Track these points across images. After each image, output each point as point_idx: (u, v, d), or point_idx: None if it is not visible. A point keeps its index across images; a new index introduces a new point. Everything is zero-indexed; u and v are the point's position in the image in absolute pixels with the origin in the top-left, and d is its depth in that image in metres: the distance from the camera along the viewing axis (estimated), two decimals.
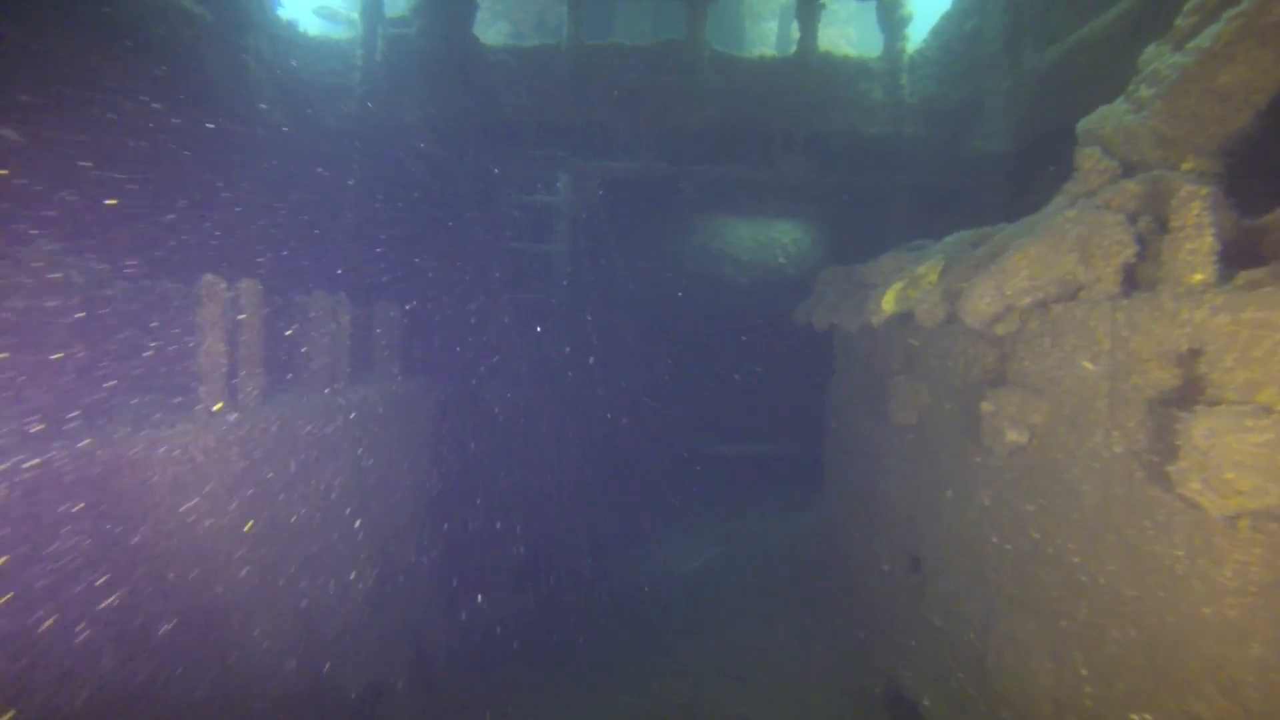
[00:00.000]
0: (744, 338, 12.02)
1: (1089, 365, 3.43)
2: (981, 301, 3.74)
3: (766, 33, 14.54)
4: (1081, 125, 4.57)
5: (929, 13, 10.12)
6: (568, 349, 11.01)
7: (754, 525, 11.54)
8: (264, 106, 7.67)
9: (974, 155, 9.28)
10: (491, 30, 13.39)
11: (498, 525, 9.83)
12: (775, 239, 11.46)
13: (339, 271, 7.85)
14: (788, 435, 12.19)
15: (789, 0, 14.97)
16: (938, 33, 9.50)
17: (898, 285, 5.53)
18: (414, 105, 8.62)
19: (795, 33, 15.51)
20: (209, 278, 3.76)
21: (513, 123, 9.05)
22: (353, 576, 5.43)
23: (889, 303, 5.51)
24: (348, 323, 5.76)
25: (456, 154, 9.23)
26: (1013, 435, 3.91)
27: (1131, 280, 3.43)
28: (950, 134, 9.47)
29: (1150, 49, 4.31)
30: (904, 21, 9.33)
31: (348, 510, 5.15)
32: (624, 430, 11.39)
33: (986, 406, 4.08)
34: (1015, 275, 3.69)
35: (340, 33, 8.88)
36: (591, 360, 11.36)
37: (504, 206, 10.17)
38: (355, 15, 13.58)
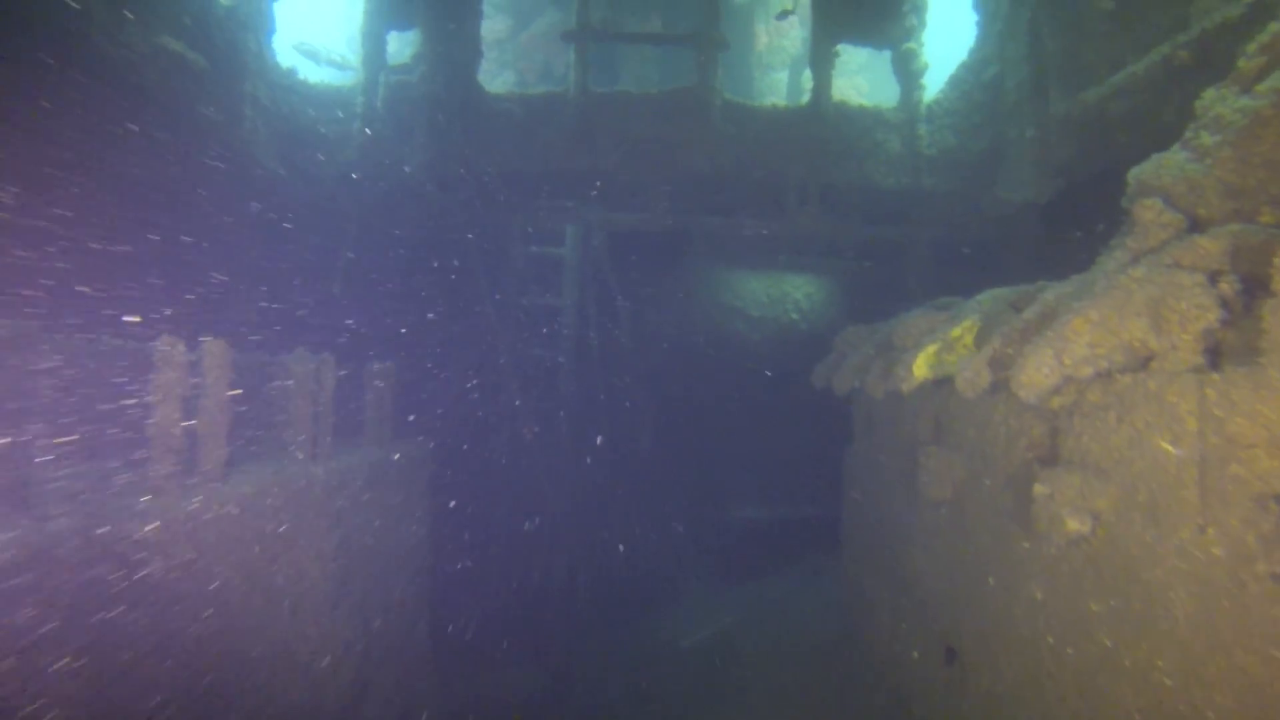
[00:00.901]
0: (756, 397, 11.58)
1: (1169, 448, 2.96)
2: (1039, 373, 3.29)
3: (776, 83, 14.40)
4: (1135, 174, 4.17)
5: (943, 60, 9.88)
6: (575, 408, 10.58)
7: (771, 592, 10.96)
8: (260, 153, 7.37)
9: (997, 206, 8.94)
10: (497, 80, 13.26)
11: (502, 603, 9.30)
12: (788, 293, 11.08)
13: (333, 327, 7.48)
14: (804, 498, 11.69)
15: (798, 51, 14.90)
16: (955, 82, 9.24)
17: (930, 349, 5.09)
18: (416, 153, 8.33)
19: (806, 83, 15.38)
20: (166, 338, 3.35)
21: (518, 172, 8.76)
22: (327, 664, 4.91)
23: (921, 368, 5.06)
24: (332, 385, 5.33)
25: (459, 204, 8.92)
26: (1073, 524, 3.43)
27: (1214, 350, 2.98)
28: (971, 185, 9.15)
29: (1210, 92, 3.93)
30: (920, 71, 9.08)
31: (325, 595, 4.66)
32: (634, 494, 10.88)
33: (1040, 489, 3.61)
34: (1075, 342, 3.25)
35: (332, 74, 8.64)
36: (600, 419, 10.92)
37: (509, 259, 9.85)
38: (338, 56, 13.46)
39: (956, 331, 5.06)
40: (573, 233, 9.77)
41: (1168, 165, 3.97)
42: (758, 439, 12.02)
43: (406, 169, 8.35)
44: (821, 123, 8.80)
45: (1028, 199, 8.19)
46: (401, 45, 9.52)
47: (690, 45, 8.78)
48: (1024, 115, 8.25)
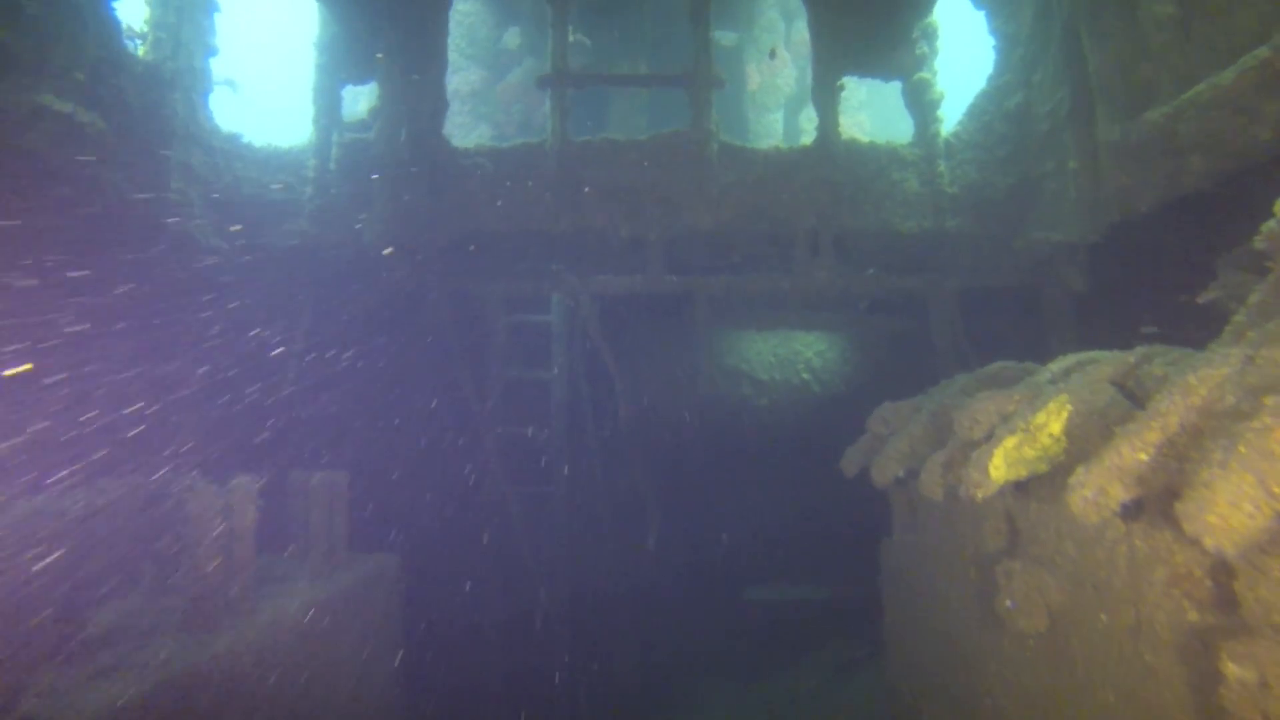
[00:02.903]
0: (767, 466, 10.51)
1: None
2: (1237, 511, 2.20)
3: (771, 124, 13.58)
4: None
5: (956, 89, 8.98)
6: (570, 491, 9.47)
7: (795, 691, 9.73)
8: (192, 227, 6.38)
9: (1031, 248, 7.96)
10: (473, 134, 12.43)
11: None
12: (798, 352, 10.08)
13: (270, 430, 6.43)
14: (825, 578, 10.56)
15: (793, 90, 14.10)
16: (975, 113, 8.34)
17: (1009, 442, 4.00)
18: (375, 219, 7.34)
19: (804, 122, 14.61)
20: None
21: (493, 234, 7.79)
22: None
23: (999, 468, 3.96)
24: (253, 515, 4.22)
25: (426, 273, 7.91)
26: None
27: None
28: (999, 225, 8.17)
29: None
30: (936, 102, 8.19)
31: None
32: (637, 581, 9.70)
33: (1233, 671, 2.50)
34: None
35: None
36: (598, 502, 9.81)
37: (488, 330, 8.82)
38: None
39: (1040, 418, 3.98)
40: (559, 300, 8.77)
41: None
42: (770, 512, 10.95)
43: (365, 237, 7.35)
44: (831, 163, 7.86)
45: (1071, 239, 7.20)
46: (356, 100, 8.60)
47: (682, 86, 7.86)
48: (1060, 145, 7.33)
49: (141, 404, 5.80)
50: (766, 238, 8.10)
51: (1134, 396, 3.65)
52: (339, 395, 7.39)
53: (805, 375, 10.23)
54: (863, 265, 8.92)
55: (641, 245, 7.87)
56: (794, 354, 10.24)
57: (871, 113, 15.41)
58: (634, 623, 10.06)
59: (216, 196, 6.95)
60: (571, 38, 13.68)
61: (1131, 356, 3.98)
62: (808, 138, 12.82)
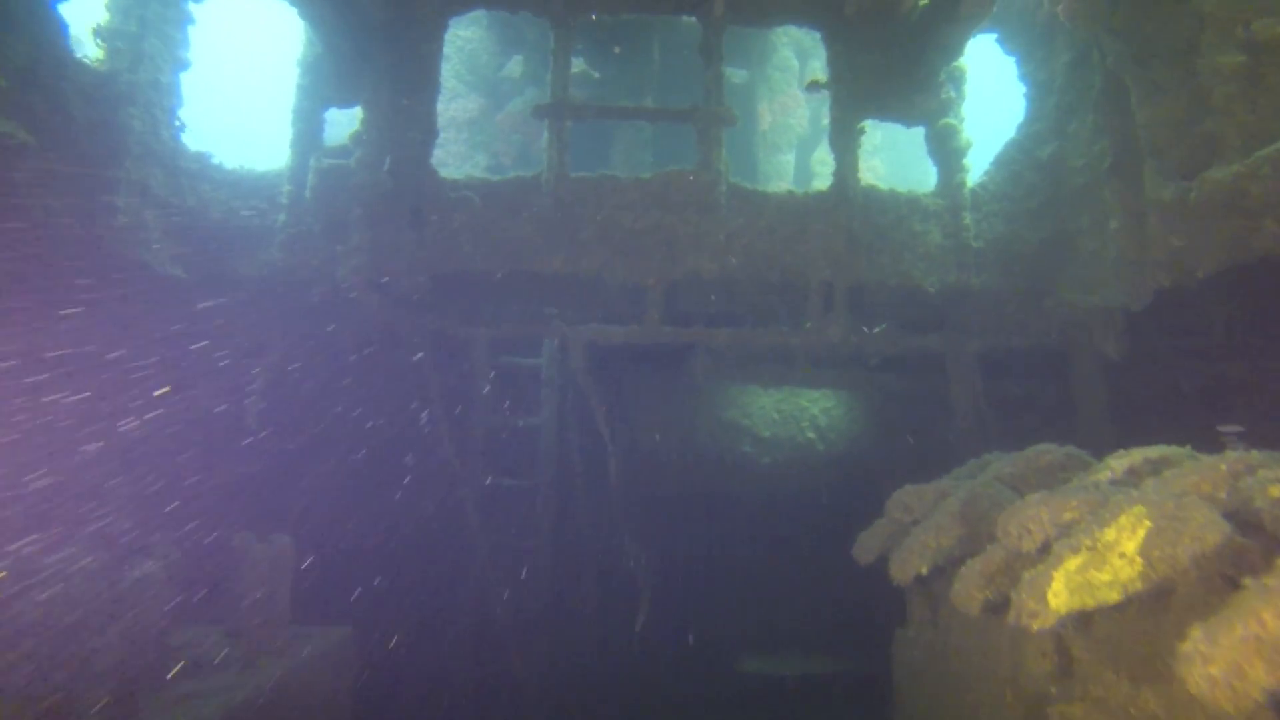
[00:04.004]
0: (767, 529, 9.83)
1: None
2: None
3: (783, 165, 13.06)
4: None
5: (983, 136, 8.42)
6: (553, 557, 8.76)
7: None
8: (147, 253, 5.75)
9: (1063, 311, 7.33)
10: (468, 163, 11.89)
11: None
12: (804, 408, 9.43)
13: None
14: (828, 649, 9.82)
15: (805, 131, 13.60)
16: (1003, 162, 7.78)
17: (1071, 563, 3.33)
18: (352, 253, 6.72)
19: (816, 165, 14.09)
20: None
21: (480, 275, 7.16)
22: None
23: (1060, 594, 3.31)
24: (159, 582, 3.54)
25: (406, 312, 7.29)
26: None
27: None
28: (1028, 283, 7.57)
29: None
30: (962, 150, 7.63)
31: None
32: (625, 657, 8.96)
33: None
34: None
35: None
36: (586, 563, 9.11)
37: (472, 374, 8.18)
38: None
39: (1110, 534, 3.33)
40: (550, 342, 8.14)
41: None
42: (770, 576, 10.26)
43: (340, 271, 6.73)
44: (848, 211, 7.28)
45: (1110, 303, 6.59)
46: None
47: (690, 122, 7.29)
48: (1098, 200, 6.75)
49: (74, 456, 5.15)
50: (776, 288, 7.49)
51: (1238, 519, 2.98)
52: (303, 445, 6.73)
53: (810, 434, 9.57)
54: (878, 321, 8.31)
55: (640, 292, 7.25)
56: (799, 410, 9.59)
57: (886, 157, 14.92)
58: (618, 695, 9.28)
59: (179, 220, 6.33)
60: (577, 68, 13.31)
61: (1223, 463, 3.32)
62: (820, 181, 12.32)
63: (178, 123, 6.55)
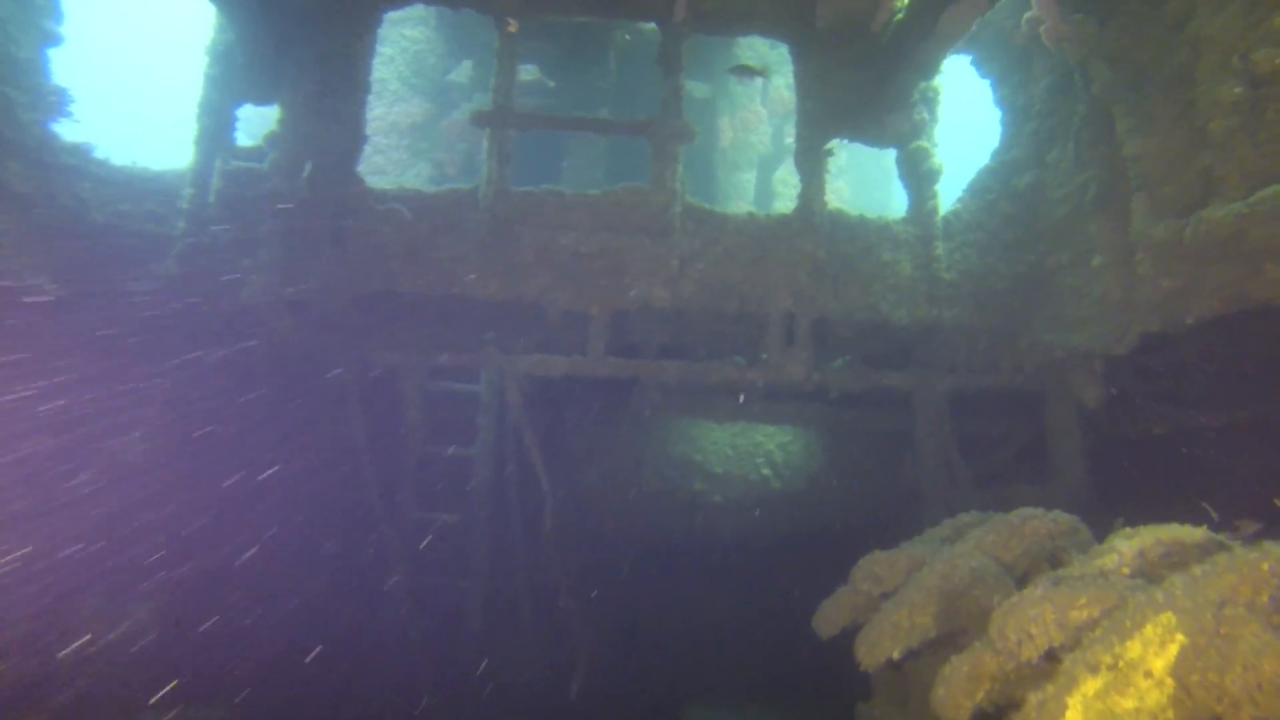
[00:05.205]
0: (719, 570, 9.24)
1: None
2: None
3: (743, 184, 12.54)
4: None
5: (955, 161, 7.99)
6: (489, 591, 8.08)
7: None
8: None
9: (1039, 352, 6.88)
10: (410, 172, 11.16)
11: None
12: (759, 444, 8.90)
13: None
14: (783, 696, 9.27)
15: (768, 149, 13.11)
16: (977, 190, 7.34)
17: (1088, 685, 2.76)
18: (261, 268, 5.96)
19: (779, 185, 13.60)
20: None
21: (409, 296, 6.45)
22: None
23: None
24: None
25: (323, 335, 6.53)
26: None
27: None
28: (1002, 320, 7.10)
29: None
30: (934, 174, 7.15)
31: None
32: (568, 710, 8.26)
33: None
34: None
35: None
36: (522, 607, 8.40)
37: (398, 401, 7.46)
38: None
39: (1134, 648, 2.79)
40: (487, 375, 7.48)
41: None
42: (720, 620, 9.68)
43: (246, 288, 5.95)
44: (813, 236, 6.75)
45: (1093, 346, 6.12)
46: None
47: (645, 135, 6.69)
48: (1081, 235, 6.31)
49: None
50: (733, 319, 6.90)
51: None
52: (196, 489, 5.92)
53: (766, 470, 9.02)
54: (842, 354, 7.78)
55: (584, 319, 6.59)
56: (754, 445, 9.03)
57: (852, 179, 14.50)
58: None
59: (46, 223, 5.46)
60: (531, 76, 12.68)
61: (1266, 562, 2.77)
62: (783, 201, 11.80)
63: (48, 107, 5.70)
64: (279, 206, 6.07)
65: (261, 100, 6.59)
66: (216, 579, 6.12)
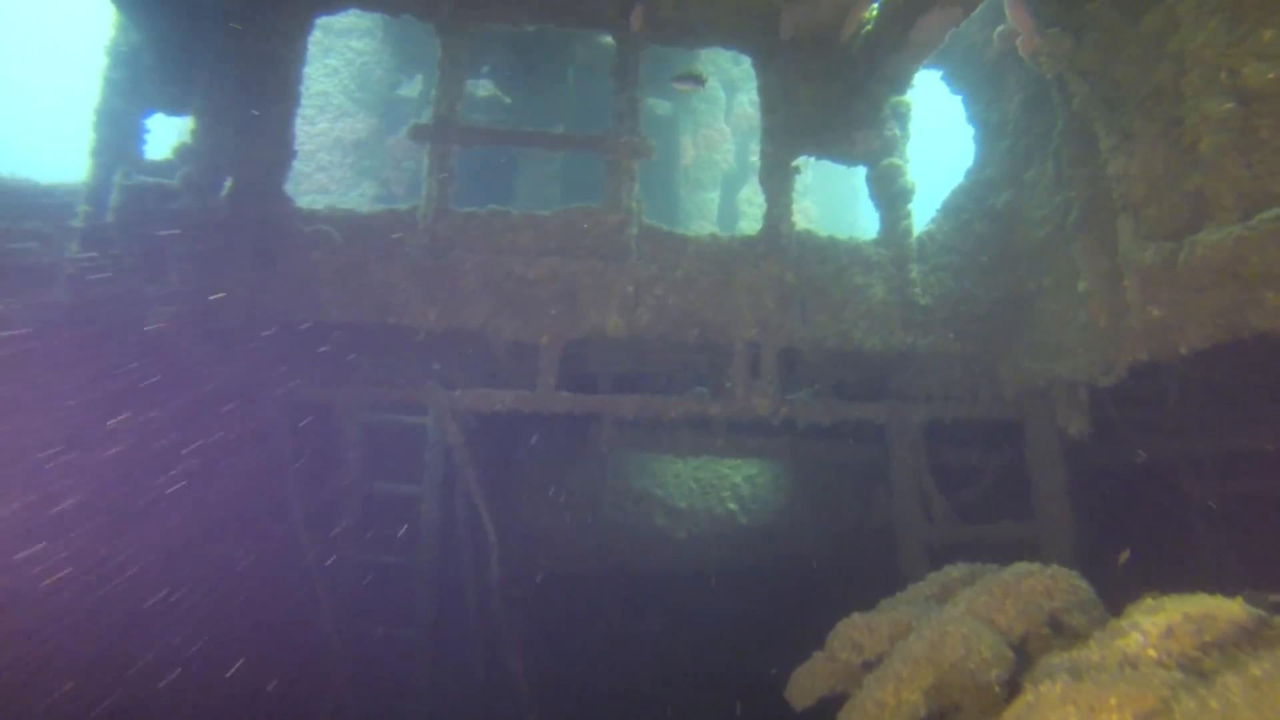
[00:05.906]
0: (682, 610, 8.73)
1: None
2: None
3: (706, 203, 12.11)
4: None
5: (927, 179, 7.63)
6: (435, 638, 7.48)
7: None
8: None
9: (1019, 380, 6.48)
10: (354, 191, 10.55)
11: None
12: (724, 477, 8.42)
13: None
14: None
15: (732, 167, 12.72)
16: (951, 210, 6.96)
17: None
18: (171, 295, 5.33)
19: (743, 204, 13.20)
20: None
21: (342, 326, 5.85)
22: None
23: None
24: None
25: (245, 368, 5.91)
26: None
27: None
28: (979, 347, 6.69)
29: None
30: (906, 193, 6.76)
31: None
32: None
33: None
34: None
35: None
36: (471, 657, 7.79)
37: (337, 438, 6.86)
38: None
39: None
40: (435, 409, 6.91)
41: None
42: (682, 661, 9.15)
43: (151, 318, 5.32)
44: (780, 259, 6.30)
45: (1078, 375, 5.73)
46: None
47: (599, 151, 6.21)
48: (1062, 258, 5.93)
49: None
50: (694, 348, 6.40)
51: None
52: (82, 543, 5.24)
53: (732, 505, 8.54)
54: (811, 383, 7.33)
55: (534, 350, 6.05)
56: (719, 478, 8.55)
57: (819, 197, 14.17)
58: None
59: None
60: (486, 91, 12.18)
61: None
62: (748, 221, 11.35)
63: None
64: (190, 227, 5.47)
65: (174, 109, 5.98)
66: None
